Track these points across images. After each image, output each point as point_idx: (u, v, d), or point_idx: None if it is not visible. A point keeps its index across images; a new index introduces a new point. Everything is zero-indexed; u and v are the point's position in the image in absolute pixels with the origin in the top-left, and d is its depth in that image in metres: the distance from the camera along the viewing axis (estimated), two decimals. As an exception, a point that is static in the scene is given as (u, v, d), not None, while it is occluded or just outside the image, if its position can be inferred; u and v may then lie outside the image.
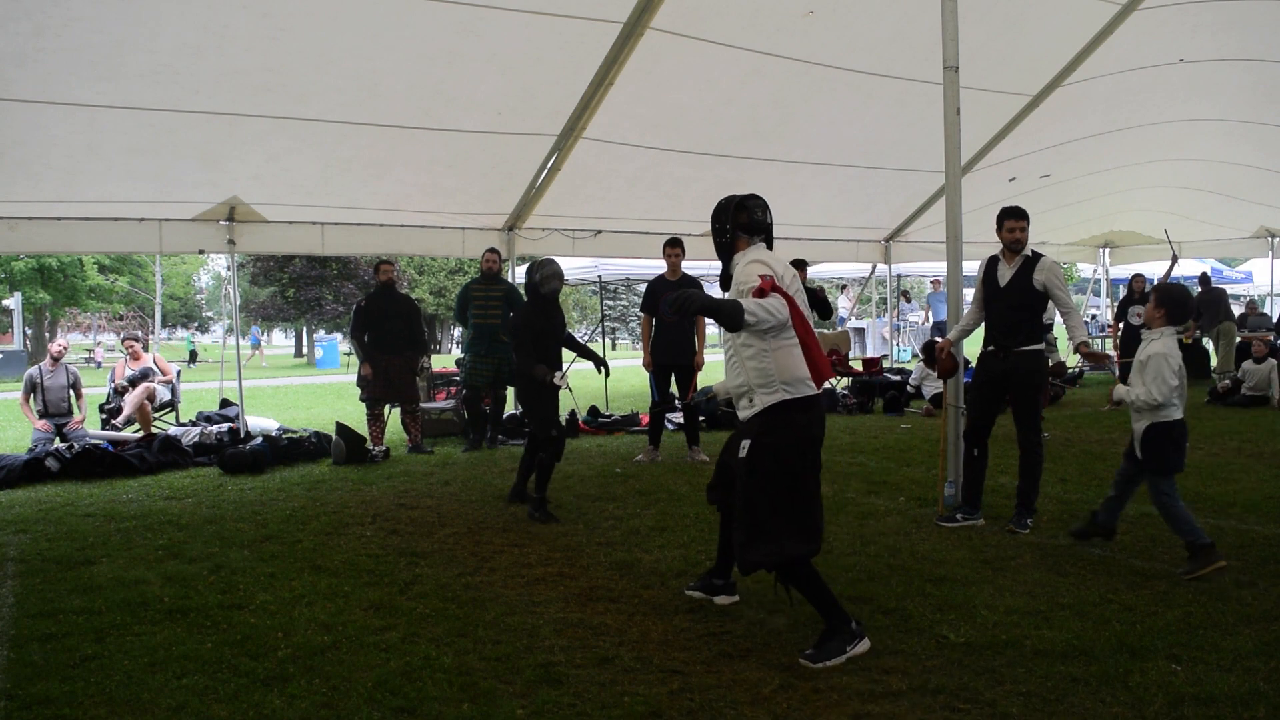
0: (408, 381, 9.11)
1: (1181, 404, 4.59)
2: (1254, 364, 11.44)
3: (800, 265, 9.86)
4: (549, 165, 9.53)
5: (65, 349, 9.81)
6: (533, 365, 6.15)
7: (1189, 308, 4.83)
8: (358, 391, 9.17)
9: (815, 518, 3.71)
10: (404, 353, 9.03)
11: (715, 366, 15.65)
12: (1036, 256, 5.52)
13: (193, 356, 34.58)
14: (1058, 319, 9.33)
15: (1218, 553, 4.47)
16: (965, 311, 5.86)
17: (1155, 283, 11.03)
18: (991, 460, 7.82)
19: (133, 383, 9.64)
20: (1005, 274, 5.54)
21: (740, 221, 3.91)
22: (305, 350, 38.39)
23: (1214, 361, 14.25)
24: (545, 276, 6.28)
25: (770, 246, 3.95)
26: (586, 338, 56.43)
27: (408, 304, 9.47)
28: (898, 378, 12.89)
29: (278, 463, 8.31)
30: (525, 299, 6.60)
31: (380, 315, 8.96)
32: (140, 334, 11.49)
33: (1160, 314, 4.65)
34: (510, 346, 9.21)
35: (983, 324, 5.75)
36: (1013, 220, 5.50)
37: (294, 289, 33.05)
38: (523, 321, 6.35)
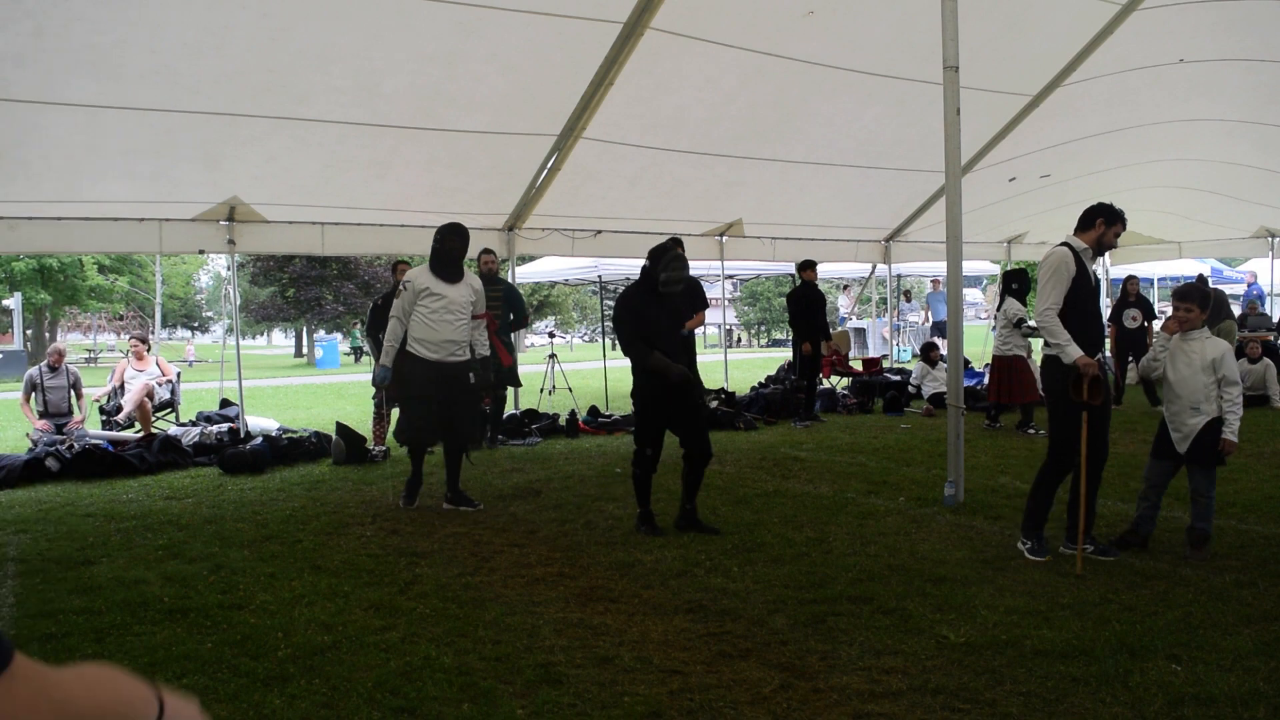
0: None
1: None
2: (1249, 364, 11.44)
3: (809, 266, 10.70)
4: (549, 165, 9.53)
5: (64, 353, 9.78)
6: (647, 356, 5.39)
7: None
8: (358, 392, 9.15)
9: (412, 423, 6.36)
10: None
11: (714, 367, 15.65)
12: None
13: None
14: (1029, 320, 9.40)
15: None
16: (1051, 310, 4.80)
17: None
18: (990, 459, 7.86)
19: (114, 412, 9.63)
20: (1093, 272, 4.99)
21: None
22: (305, 350, 38.37)
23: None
24: (670, 278, 5.44)
25: (435, 265, 6.29)
26: (586, 338, 55.89)
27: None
28: (898, 378, 12.89)
29: (278, 463, 8.30)
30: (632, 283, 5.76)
31: None
32: (145, 334, 11.47)
33: (1204, 315, 5.01)
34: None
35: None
36: (1121, 227, 4.99)
37: (294, 289, 33.03)
38: (620, 306, 5.57)
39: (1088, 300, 4.89)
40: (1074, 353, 4.71)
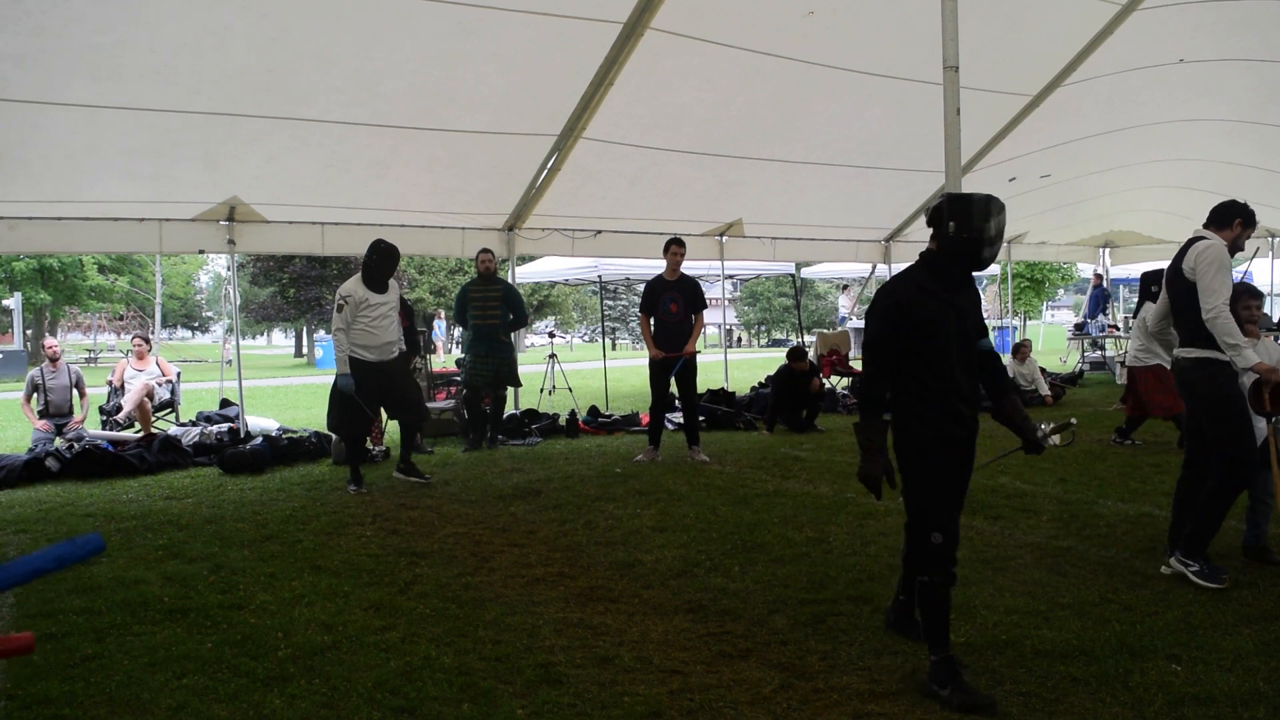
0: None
1: None
2: None
3: (798, 356, 10.11)
4: (549, 165, 9.53)
5: (58, 350, 9.74)
6: (879, 403, 3.47)
7: None
8: None
9: (344, 419, 7.09)
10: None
11: (714, 367, 15.65)
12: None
13: None
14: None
15: None
16: (1226, 304, 4.36)
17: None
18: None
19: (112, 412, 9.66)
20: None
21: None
22: (305, 350, 38.39)
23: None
24: (979, 233, 3.40)
25: (369, 278, 6.96)
26: (586, 338, 55.41)
27: (401, 304, 9.40)
28: (898, 377, 12.87)
29: (278, 463, 8.30)
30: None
31: None
32: (147, 334, 11.47)
33: None
34: (509, 346, 9.25)
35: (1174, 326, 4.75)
36: (1252, 230, 4.68)
37: (294, 289, 33.05)
38: (875, 303, 3.58)
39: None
40: (1251, 357, 4.32)
